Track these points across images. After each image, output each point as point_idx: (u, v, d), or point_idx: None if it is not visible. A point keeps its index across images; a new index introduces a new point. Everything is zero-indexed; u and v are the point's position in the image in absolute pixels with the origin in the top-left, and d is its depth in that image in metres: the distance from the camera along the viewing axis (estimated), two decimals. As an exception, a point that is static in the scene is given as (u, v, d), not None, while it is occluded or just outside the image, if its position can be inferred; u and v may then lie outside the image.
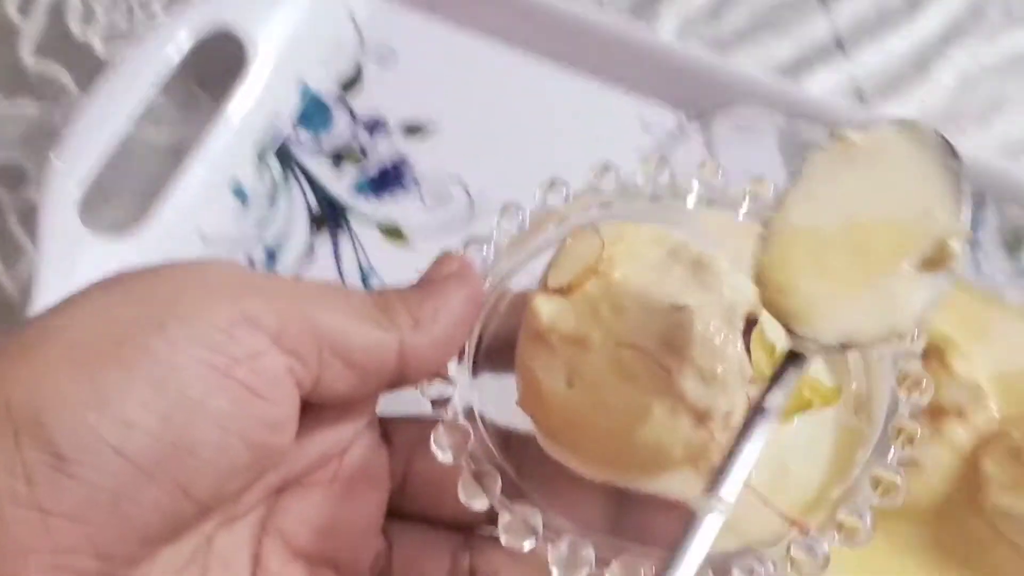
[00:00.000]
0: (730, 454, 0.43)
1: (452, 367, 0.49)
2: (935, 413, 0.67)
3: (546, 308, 0.48)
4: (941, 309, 0.69)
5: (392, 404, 0.50)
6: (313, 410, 0.45)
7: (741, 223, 0.54)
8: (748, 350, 0.48)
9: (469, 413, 0.48)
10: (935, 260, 0.44)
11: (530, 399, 0.49)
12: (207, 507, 0.42)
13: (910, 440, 0.47)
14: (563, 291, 0.48)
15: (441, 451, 0.46)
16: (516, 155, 0.81)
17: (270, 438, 0.43)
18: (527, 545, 0.45)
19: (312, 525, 0.47)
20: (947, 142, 0.47)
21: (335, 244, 0.80)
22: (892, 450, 0.47)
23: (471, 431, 0.47)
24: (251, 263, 0.80)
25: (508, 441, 0.49)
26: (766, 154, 0.73)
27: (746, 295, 0.48)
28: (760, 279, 0.46)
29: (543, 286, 0.49)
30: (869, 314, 0.44)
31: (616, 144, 0.79)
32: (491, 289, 0.51)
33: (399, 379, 0.46)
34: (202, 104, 0.86)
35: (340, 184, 0.83)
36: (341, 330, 0.44)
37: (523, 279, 0.53)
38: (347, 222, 0.81)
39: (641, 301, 0.48)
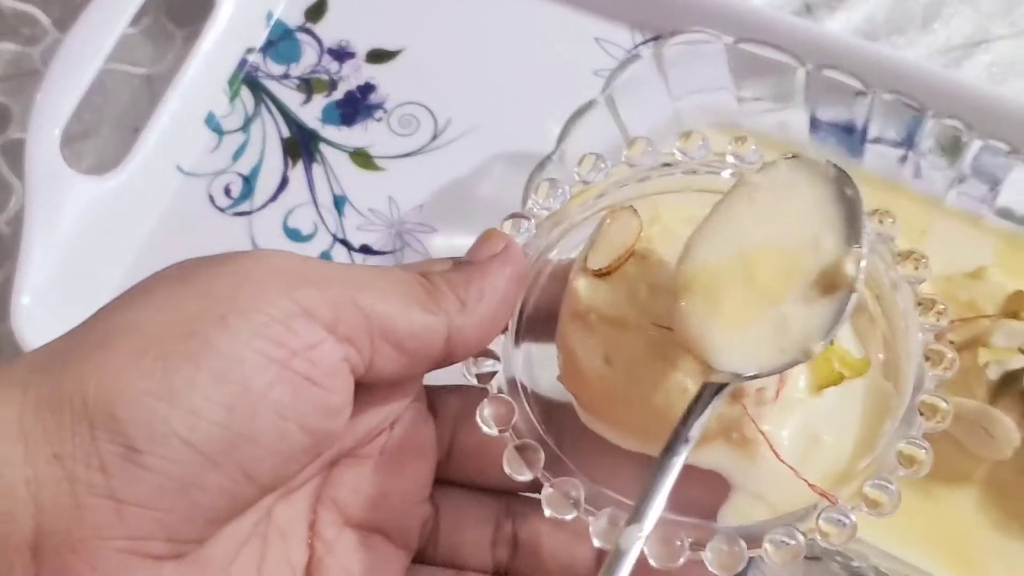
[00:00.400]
0: (650, 485, 0.44)
1: (496, 341, 0.50)
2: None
3: (585, 289, 0.49)
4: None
5: (438, 373, 0.51)
6: (364, 389, 0.46)
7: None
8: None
9: (512, 386, 0.50)
10: (830, 284, 0.46)
11: (570, 375, 0.50)
12: (268, 488, 0.44)
13: (935, 413, 0.47)
14: (602, 272, 0.50)
15: (486, 425, 0.48)
16: (479, 78, 0.84)
17: (327, 423, 0.44)
18: (569, 516, 0.46)
19: (363, 495, 0.49)
20: (842, 172, 0.49)
21: (308, 171, 0.83)
22: (918, 423, 0.48)
23: (515, 405, 0.49)
24: (228, 192, 0.83)
25: (550, 411, 0.51)
26: (717, 74, 0.75)
27: None
28: (674, 318, 0.47)
29: (583, 266, 0.50)
30: (773, 342, 0.46)
31: (575, 65, 0.82)
32: (532, 263, 0.52)
33: (446, 358, 0.48)
34: (175, 39, 0.88)
35: (310, 112, 0.85)
36: (392, 316, 0.45)
37: (562, 251, 0.54)
38: (319, 149, 0.84)
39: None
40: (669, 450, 0.45)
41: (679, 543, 0.45)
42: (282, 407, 0.42)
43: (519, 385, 0.50)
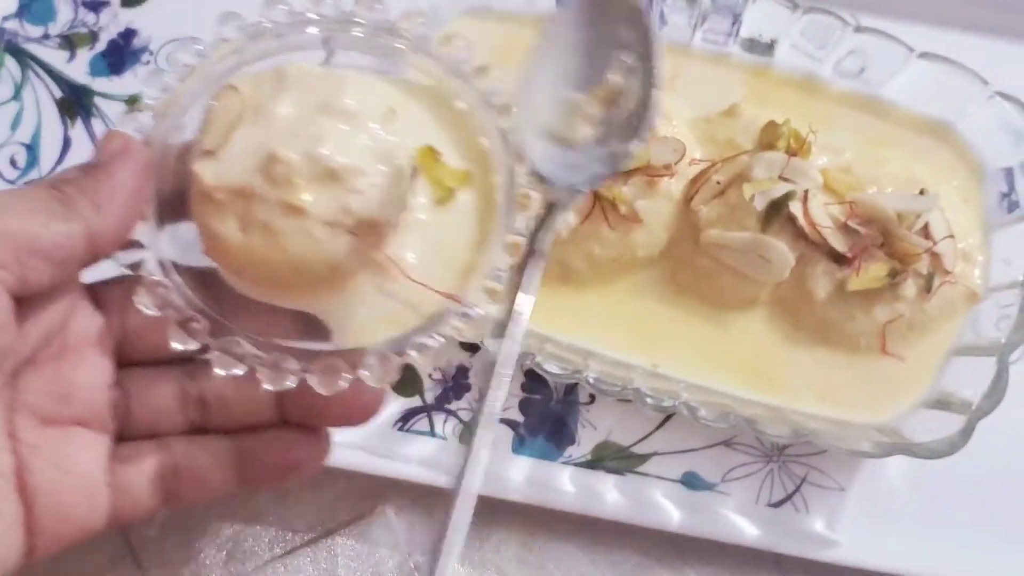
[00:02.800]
0: (516, 289, 0.54)
1: (139, 230, 0.53)
2: (649, 172, 0.74)
3: (206, 170, 0.52)
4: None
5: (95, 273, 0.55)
6: (27, 301, 0.50)
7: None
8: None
9: (163, 266, 0.53)
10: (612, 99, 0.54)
11: (213, 249, 0.53)
12: None
13: (526, 204, 0.54)
14: (217, 150, 0.52)
15: (145, 307, 0.52)
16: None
17: None
18: (238, 371, 0.52)
19: (52, 395, 0.52)
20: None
21: (88, 127, 0.83)
22: (518, 217, 0.54)
23: (169, 284, 0.53)
24: (14, 163, 0.83)
25: (206, 283, 0.54)
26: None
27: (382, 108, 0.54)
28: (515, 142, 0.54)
29: (199, 149, 0.53)
30: (592, 160, 0.54)
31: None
32: (156, 152, 0.55)
33: (94, 257, 0.51)
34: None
35: (77, 68, 0.84)
36: (32, 232, 0.49)
37: (184, 133, 0.56)
38: (93, 104, 0.84)
39: (288, 144, 0.52)
40: (528, 261, 0.54)
41: (337, 368, 0.51)
42: None
43: (171, 265, 0.54)
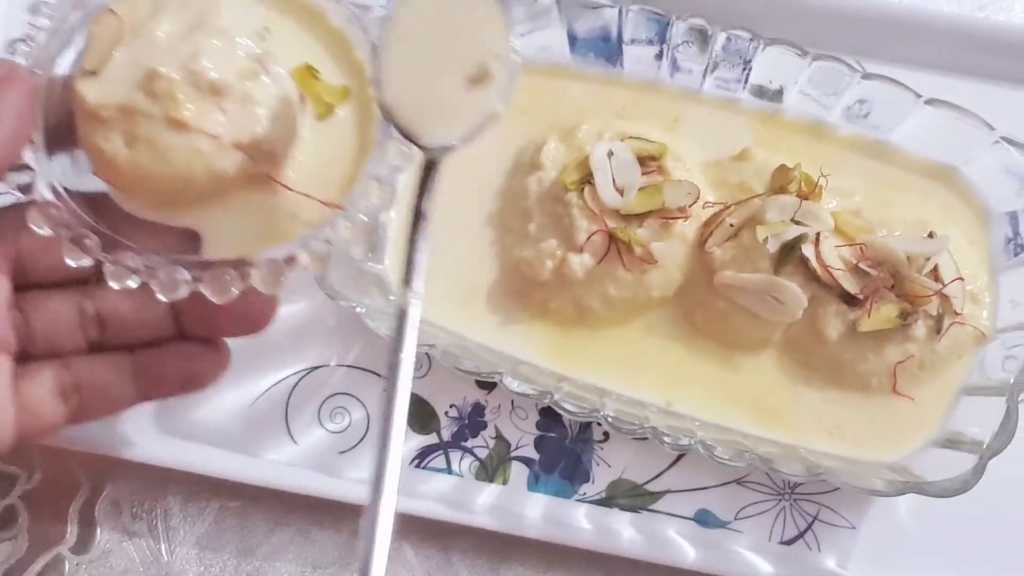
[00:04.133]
0: (409, 257, 0.53)
1: (28, 155, 0.54)
2: (663, 214, 0.75)
3: (89, 89, 0.54)
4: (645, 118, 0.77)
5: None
6: None
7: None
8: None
9: (54, 191, 0.54)
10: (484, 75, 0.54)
11: (101, 167, 0.55)
12: None
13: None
14: (99, 70, 0.54)
15: (38, 228, 0.53)
16: None
17: None
18: (132, 283, 0.53)
19: None
20: None
21: None
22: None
23: (61, 205, 0.54)
24: None
25: (98, 204, 0.56)
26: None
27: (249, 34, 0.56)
28: (380, 102, 0.54)
29: (82, 71, 0.55)
30: (465, 115, 0.54)
31: None
32: (42, 79, 0.56)
33: None
34: None
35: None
36: None
37: (68, 63, 0.58)
38: None
39: (166, 61, 0.54)
40: (416, 227, 0.53)
41: (227, 277, 0.53)
42: None
43: (62, 190, 0.55)
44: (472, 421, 0.78)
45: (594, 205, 0.75)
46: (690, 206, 0.75)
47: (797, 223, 0.73)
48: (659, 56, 0.79)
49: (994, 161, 0.76)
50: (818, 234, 0.73)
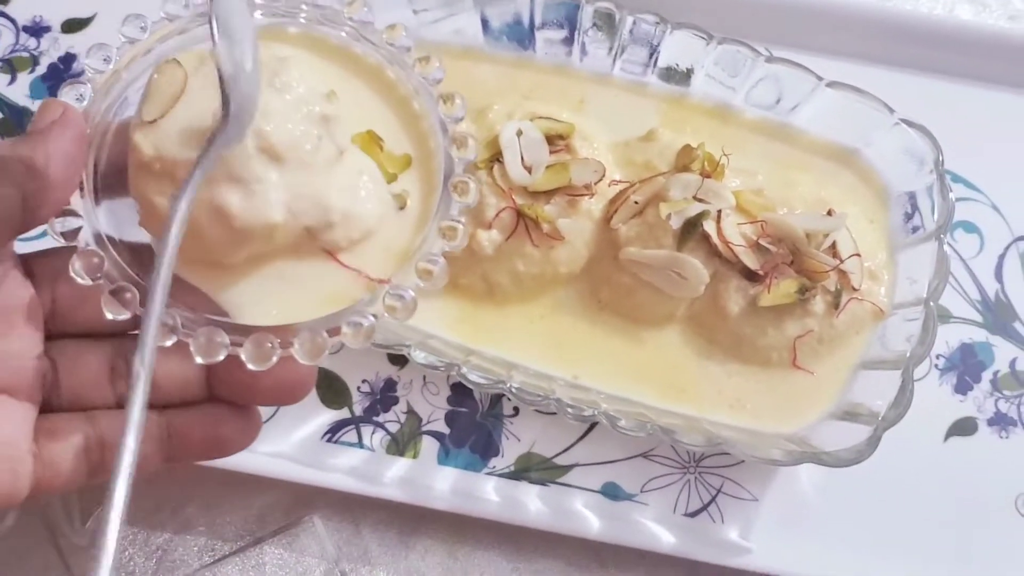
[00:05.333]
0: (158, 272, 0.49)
1: (76, 201, 0.52)
2: (570, 191, 0.77)
3: (145, 140, 0.51)
4: (553, 100, 0.79)
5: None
6: None
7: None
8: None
9: (99, 239, 0.52)
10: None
11: (150, 220, 0.52)
12: None
13: (465, 191, 0.54)
14: (157, 121, 0.51)
15: (79, 277, 0.51)
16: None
17: None
18: (169, 342, 0.50)
19: None
20: None
21: (28, 149, 0.85)
22: (454, 203, 0.54)
23: (103, 255, 0.51)
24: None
25: (140, 255, 0.53)
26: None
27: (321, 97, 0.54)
28: None
29: (139, 120, 0.52)
30: None
31: None
32: (96, 125, 0.54)
33: (28, 224, 0.50)
34: None
35: (18, 91, 0.86)
36: None
37: (124, 110, 0.55)
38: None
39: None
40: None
41: (268, 343, 0.51)
42: None
43: (105, 238, 0.53)
44: (384, 396, 0.79)
45: (503, 183, 0.76)
46: (596, 184, 0.77)
47: (700, 201, 0.75)
48: (568, 40, 0.80)
49: (894, 142, 0.78)
50: (720, 211, 0.75)
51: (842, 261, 0.74)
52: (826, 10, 0.84)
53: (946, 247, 0.75)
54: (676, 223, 0.75)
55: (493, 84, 0.81)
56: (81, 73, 0.83)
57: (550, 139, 0.77)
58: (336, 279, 0.54)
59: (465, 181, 0.55)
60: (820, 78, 0.78)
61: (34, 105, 0.86)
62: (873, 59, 0.84)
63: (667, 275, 0.75)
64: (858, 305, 0.76)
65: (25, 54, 0.87)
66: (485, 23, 0.81)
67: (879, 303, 0.76)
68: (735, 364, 0.77)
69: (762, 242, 0.75)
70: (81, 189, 0.53)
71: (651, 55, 0.80)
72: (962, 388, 0.80)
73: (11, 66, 0.87)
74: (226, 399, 0.56)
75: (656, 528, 0.77)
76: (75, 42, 0.87)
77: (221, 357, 0.51)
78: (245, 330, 0.52)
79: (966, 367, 0.81)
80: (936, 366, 0.81)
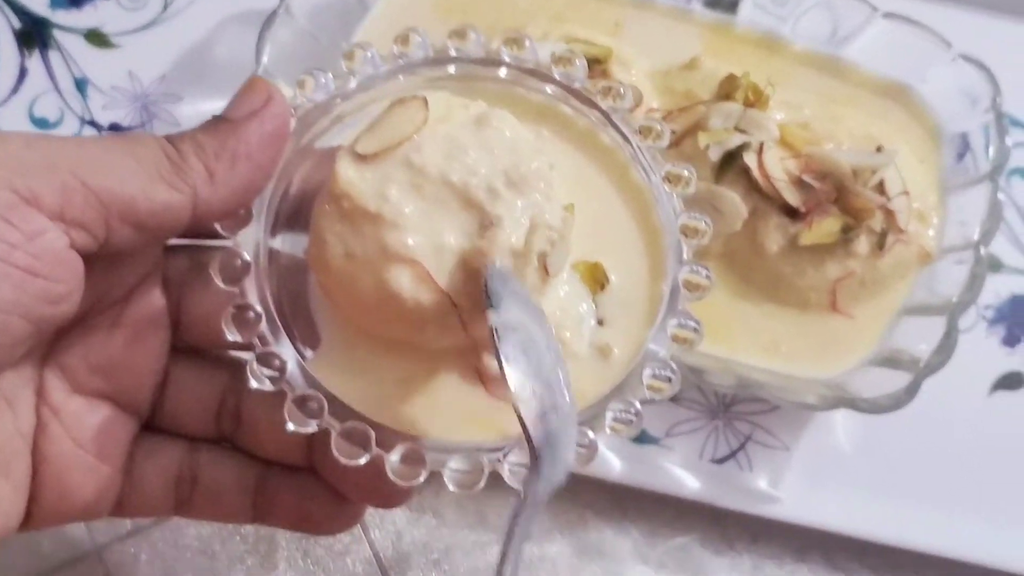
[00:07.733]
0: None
1: (255, 203, 0.47)
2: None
3: (346, 170, 0.45)
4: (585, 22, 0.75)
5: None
6: (100, 259, 0.44)
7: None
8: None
9: (256, 249, 0.47)
10: None
11: (315, 257, 0.46)
12: None
13: (697, 227, 0.50)
14: (369, 158, 0.45)
15: (257, 381, 0.45)
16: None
17: (52, 310, 0.43)
18: (363, 460, 0.44)
19: (92, 364, 0.47)
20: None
21: (45, 59, 0.82)
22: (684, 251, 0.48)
23: (251, 264, 0.46)
24: (-33, 95, 0.81)
25: (294, 296, 0.49)
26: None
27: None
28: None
29: (351, 148, 0.46)
30: None
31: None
32: (296, 148, 0.48)
33: (191, 232, 0.46)
34: None
35: (38, 0, 0.84)
36: (129, 197, 0.42)
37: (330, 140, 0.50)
38: (52, 36, 0.82)
39: (435, 194, 0.45)
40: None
41: (485, 464, 0.45)
42: (3, 303, 0.40)
43: (264, 252, 0.48)
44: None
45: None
46: (632, 111, 0.73)
47: (741, 132, 0.71)
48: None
49: (949, 80, 0.74)
50: (761, 144, 0.71)
51: (889, 199, 0.70)
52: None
53: (1000, 193, 0.70)
54: (715, 154, 0.71)
55: (524, 4, 0.78)
56: None
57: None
58: (478, 404, 0.48)
59: (695, 226, 0.50)
60: (875, 8, 0.73)
61: (54, 15, 0.83)
62: (931, -7, 0.80)
63: (703, 208, 0.71)
64: (904, 247, 0.72)
65: (44, -42, 0.84)
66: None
67: (926, 246, 0.72)
68: (771, 305, 0.73)
69: (805, 178, 0.71)
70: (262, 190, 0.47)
71: (699, -23, 0.76)
72: (1011, 340, 0.76)
73: (31, -27, 0.84)
74: (325, 475, 0.50)
75: (680, 472, 0.74)
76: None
77: (310, 430, 0.45)
78: (447, 448, 0.46)
79: (1015, 319, 0.77)
80: (984, 317, 0.77)
